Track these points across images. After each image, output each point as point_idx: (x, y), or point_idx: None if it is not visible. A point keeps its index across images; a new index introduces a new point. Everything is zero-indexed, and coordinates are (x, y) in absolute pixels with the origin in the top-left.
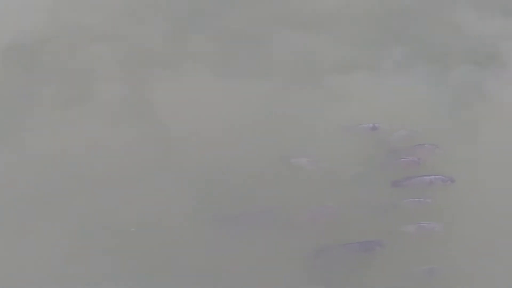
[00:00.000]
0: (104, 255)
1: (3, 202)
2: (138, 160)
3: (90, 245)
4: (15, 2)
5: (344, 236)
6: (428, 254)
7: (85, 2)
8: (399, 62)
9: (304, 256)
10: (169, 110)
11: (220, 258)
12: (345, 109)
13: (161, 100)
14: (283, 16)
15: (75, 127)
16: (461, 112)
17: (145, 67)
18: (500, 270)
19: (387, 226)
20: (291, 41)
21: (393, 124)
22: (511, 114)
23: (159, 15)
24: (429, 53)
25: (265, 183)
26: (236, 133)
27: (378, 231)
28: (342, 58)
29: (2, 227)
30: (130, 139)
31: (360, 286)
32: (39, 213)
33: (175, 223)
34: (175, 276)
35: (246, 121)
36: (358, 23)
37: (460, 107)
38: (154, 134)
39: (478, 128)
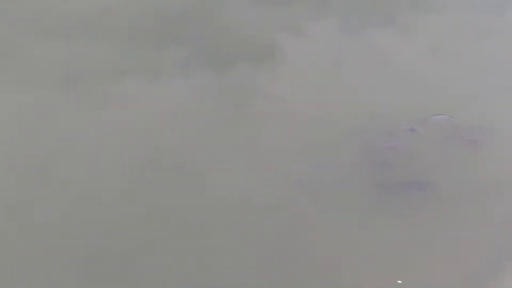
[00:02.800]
0: None
1: None
2: None
3: None
4: None
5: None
6: None
7: None
8: (176, 64)
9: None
10: None
11: None
12: (120, 116)
13: None
14: (43, 25)
15: None
16: (242, 112)
17: None
18: None
19: None
20: (53, 50)
21: (171, 128)
22: (292, 109)
23: None
24: (208, 53)
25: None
26: None
27: None
28: (115, 63)
29: None
30: None
31: None
32: None
33: None
34: None
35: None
36: (131, 27)
37: (241, 106)
38: None
39: (260, 127)
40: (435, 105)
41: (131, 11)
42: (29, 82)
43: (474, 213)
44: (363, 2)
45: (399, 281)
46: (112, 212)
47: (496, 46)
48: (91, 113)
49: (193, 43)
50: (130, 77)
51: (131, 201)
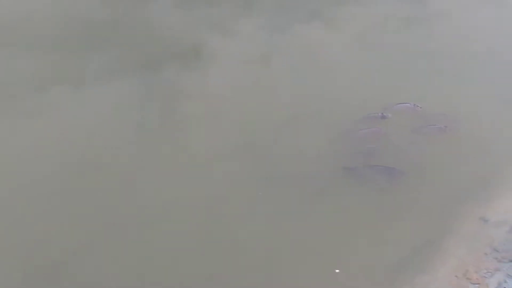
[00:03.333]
0: None
1: None
2: None
3: None
4: None
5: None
6: None
7: None
8: (103, 71)
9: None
10: None
11: None
12: (47, 125)
13: None
14: None
15: None
16: (172, 114)
17: None
18: None
19: None
20: None
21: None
22: (223, 108)
23: None
24: (135, 57)
25: None
26: None
27: None
28: (40, 72)
29: None
30: None
31: None
32: None
33: None
34: None
35: None
36: (54, 35)
37: (171, 109)
38: None
39: (191, 128)
40: (368, 95)
41: (54, 19)
42: None
43: (433, 201)
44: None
45: (337, 270)
46: (42, 219)
47: (421, 34)
48: (17, 123)
49: (119, 49)
50: (57, 86)
51: (61, 207)
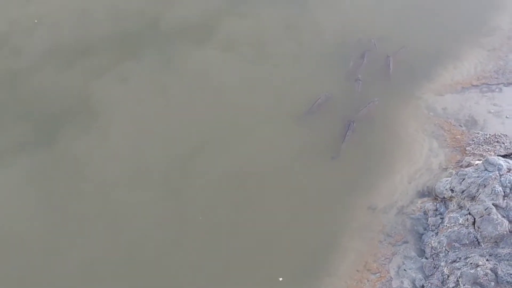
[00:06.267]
0: None
1: None
2: None
3: None
4: None
5: None
6: None
7: None
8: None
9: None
10: None
11: None
12: None
13: None
14: None
15: None
16: (81, 181)
17: None
18: None
19: None
20: None
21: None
22: (132, 167)
23: None
24: (26, 133)
25: None
26: None
27: None
28: None
29: None
30: None
31: None
32: None
33: None
34: None
35: None
36: None
37: (77, 175)
38: None
39: (104, 194)
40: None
41: None
42: None
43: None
44: (174, 32)
45: (280, 279)
46: None
47: (300, 37)
48: None
49: (6, 128)
50: None
51: None
